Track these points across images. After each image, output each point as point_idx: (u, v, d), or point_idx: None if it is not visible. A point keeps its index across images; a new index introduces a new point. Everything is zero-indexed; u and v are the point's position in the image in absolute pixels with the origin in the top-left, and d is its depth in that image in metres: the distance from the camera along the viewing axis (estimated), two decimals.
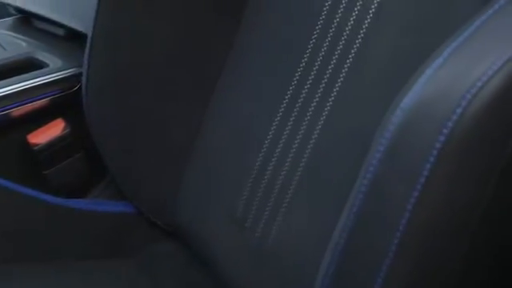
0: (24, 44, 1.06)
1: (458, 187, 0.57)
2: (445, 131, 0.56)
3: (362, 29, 0.81)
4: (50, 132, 0.98)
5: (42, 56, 1.02)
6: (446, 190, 0.57)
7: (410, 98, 0.59)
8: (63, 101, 0.99)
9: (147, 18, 0.91)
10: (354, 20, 0.82)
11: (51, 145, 0.97)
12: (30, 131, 0.97)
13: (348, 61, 0.82)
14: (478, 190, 0.58)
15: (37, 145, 0.97)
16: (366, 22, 0.82)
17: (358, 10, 0.82)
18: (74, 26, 1.03)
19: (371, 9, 0.81)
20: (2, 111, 0.94)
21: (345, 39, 0.82)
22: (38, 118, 0.97)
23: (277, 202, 0.85)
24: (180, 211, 0.97)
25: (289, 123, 0.85)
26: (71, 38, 1.05)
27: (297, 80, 0.86)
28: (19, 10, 1.12)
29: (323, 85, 0.83)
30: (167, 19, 0.91)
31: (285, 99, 0.86)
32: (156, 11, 0.91)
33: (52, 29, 1.07)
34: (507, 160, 0.59)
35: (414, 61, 0.65)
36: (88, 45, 0.92)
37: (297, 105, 0.85)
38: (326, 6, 0.84)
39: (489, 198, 0.59)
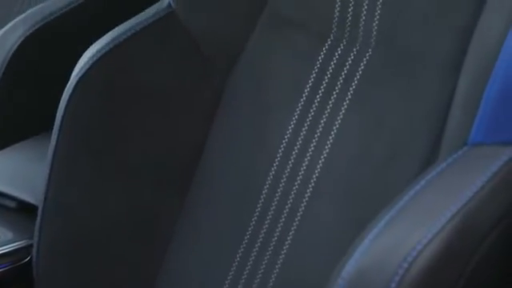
0: None
1: None
2: None
3: (305, 197, 0.85)
4: None
5: None
6: None
7: (350, 267, 0.61)
8: (13, 273, 0.99)
9: (98, 191, 0.93)
10: (295, 190, 0.86)
11: None
12: None
13: (292, 228, 0.85)
14: None
15: None
16: (309, 188, 0.85)
17: (300, 179, 0.86)
18: (25, 198, 1.05)
19: (313, 178, 0.85)
20: None
21: (288, 209, 0.86)
22: None
23: None
24: None
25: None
26: (23, 210, 1.06)
27: (243, 248, 0.88)
28: None
29: (270, 251, 0.86)
30: (118, 192, 0.94)
31: (231, 270, 0.89)
32: (107, 185, 0.93)
33: (3, 201, 1.09)
34: None
35: (354, 228, 0.68)
36: (38, 217, 0.94)
37: (246, 270, 0.88)
38: (270, 176, 0.89)
39: None
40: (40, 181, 0.94)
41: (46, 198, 0.93)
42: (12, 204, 1.08)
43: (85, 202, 0.93)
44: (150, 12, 0.96)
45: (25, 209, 1.06)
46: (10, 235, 1.02)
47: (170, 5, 0.96)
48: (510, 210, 0.66)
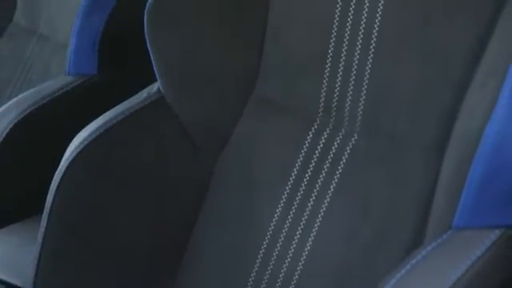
0: None
1: None
2: None
3: (293, 280, 0.86)
4: None
5: None
6: None
7: None
8: None
9: (87, 274, 0.93)
10: (284, 273, 0.87)
11: None
12: None
13: None
14: None
15: None
16: (297, 271, 0.87)
17: (288, 262, 0.87)
18: (14, 281, 1.05)
19: (301, 261, 0.86)
20: None
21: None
22: None
23: None
24: None
25: None
26: None
27: None
28: None
29: None
30: (107, 275, 0.94)
31: None
32: (96, 268, 0.94)
33: None
34: None
35: None
36: None
37: None
38: (258, 258, 0.89)
39: None
40: (30, 264, 0.94)
41: (35, 282, 0.93)
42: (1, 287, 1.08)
43: (74, 286, 0.94)
44: (140, 97, 0.98)
45: None
46: None
47: (159, 90, 0.98)
48: None
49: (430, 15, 0.82)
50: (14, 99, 1.20)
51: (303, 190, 0.90)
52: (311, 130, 0.91)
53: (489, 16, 0.78)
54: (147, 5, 0.96)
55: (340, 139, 0.89)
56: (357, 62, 0.88)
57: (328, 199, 0.88)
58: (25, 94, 1.20)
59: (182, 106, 0.97)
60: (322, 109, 0.91)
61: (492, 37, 0.78)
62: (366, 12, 0.86)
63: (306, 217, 0.89)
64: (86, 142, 0.93)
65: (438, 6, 0.82)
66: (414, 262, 0.67)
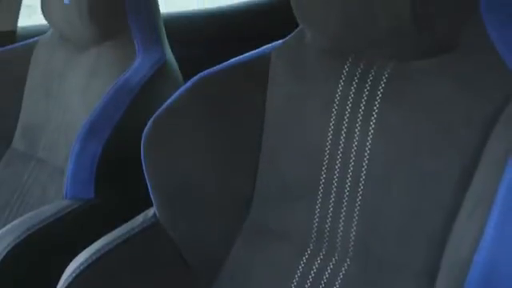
0: None
1: None
2: None
3: None
4: None
5: None
6: None
7: None
8: None
9: None
10: None
11: None
12: None
13: None
14: None
15: None
16: None
17: None
18: None
19: None
20: None
21: None
22: None
23: None
24: None
25: None
26: None
27: None
28: None
29: None
30: None
31: None
32: None
33: None
34: None
35: None
36: None
37: None
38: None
39: None
40: None
41: None
42: None
43: None
44: (136, 221, 1.00)
45: None
46: None
47: (155, 214, 1.00)
48: None
49: (418, 147, 0.85)
50: (12, 223, 1.21)
51: None
52: (305, 256, 0.93)
53: (474, 149, 0.81)
54: (144, 131, 0.99)
55: (333, 264, 0.91)
56: (348, 189, 0.90)
57: None
58: (22, 218, 1.22)
59: (177, 230, 0.99)
60: (314, 235, 0.92)
61: (478, 167, 0.80)
62: (357, 141, 0.89)
63: None
64: (82, 267, 0.94)
65: (425, 139, 0.85)
66: None
